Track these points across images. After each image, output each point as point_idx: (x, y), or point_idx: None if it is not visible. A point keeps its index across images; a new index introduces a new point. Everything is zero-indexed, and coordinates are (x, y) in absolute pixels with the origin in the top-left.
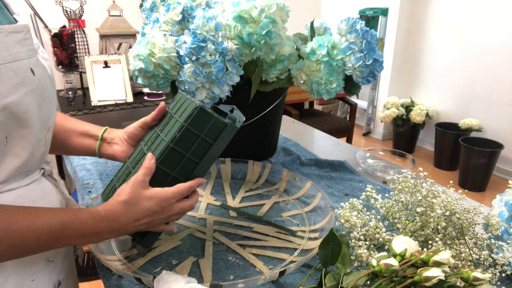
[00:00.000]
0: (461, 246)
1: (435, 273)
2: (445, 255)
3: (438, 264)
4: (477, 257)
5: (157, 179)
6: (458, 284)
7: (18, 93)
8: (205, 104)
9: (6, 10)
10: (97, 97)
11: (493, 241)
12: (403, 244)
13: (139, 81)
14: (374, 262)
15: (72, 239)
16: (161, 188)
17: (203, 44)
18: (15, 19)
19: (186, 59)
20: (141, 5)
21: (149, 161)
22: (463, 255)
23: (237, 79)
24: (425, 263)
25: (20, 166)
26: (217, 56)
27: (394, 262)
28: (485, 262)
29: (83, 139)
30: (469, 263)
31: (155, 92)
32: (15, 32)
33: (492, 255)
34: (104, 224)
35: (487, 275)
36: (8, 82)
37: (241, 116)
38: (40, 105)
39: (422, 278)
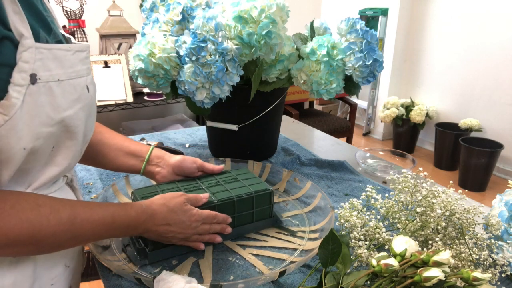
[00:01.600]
0: (461, 246)
1: (435, 273)
2: (445, 255)
3: (438, 264)
4: (477, 257)
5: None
6: (458, 284)
7: (74, 108)
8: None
9: (55, 25)
10: (96, 97)
11: (493, 241)
12: (403, 244)
13: (139, 81)
14: (374, 262)
15: (115, 231)
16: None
17: (203, 44)
18: (63, 35)
19: (186, 59)
20: (141, 5)
21: (204, 197)
22: (463, 255)
23: (237, 79)
24: (425, 263)
25: (57, 174)
26: (217, 56)
27: (394, 262)
28: (485, 262)
29: (129, 158)
30: (469, 263)
31: (155, 92)
32: (80, 51)
33: (492, 255)
34: (143, 218)
35: (487, 275)
36: (69, 97)
37: (281, 219)
38: (86, 119)
39: (422, 278)
